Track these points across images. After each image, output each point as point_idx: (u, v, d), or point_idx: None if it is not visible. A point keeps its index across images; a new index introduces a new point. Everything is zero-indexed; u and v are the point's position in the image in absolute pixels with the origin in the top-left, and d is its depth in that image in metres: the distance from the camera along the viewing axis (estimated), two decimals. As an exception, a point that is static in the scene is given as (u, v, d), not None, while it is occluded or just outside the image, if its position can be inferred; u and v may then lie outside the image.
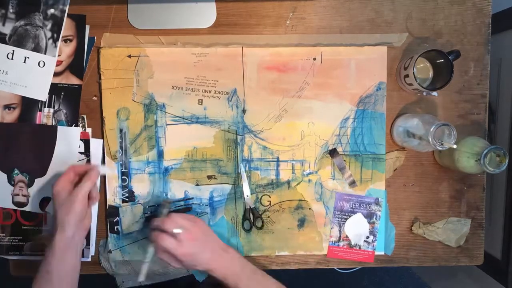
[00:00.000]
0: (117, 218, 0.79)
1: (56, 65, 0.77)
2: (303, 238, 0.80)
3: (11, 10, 0.75)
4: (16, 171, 0.77)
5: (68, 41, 0.77)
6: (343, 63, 0.78)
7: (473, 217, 0.81)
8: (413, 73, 0.71)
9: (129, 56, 0.77)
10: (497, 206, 0.93)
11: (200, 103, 0.78)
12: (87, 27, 0.77)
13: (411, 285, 1.24)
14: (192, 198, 0.79)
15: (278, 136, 0.79)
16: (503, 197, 0.90)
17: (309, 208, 0.80)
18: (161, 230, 0.66)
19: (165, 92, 0.78)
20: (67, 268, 0.66)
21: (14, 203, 0.77)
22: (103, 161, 0.78)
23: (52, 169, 0.77)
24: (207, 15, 0.77)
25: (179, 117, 0.78)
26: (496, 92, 0.92)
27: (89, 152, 0.77)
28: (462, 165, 0.72)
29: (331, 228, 0.80)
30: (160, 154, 0.78)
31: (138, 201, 0.79)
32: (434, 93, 0.78)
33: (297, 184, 0.80)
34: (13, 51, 0.75)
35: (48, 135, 0.77)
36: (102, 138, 0.78)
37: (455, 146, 0.68)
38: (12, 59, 0.76)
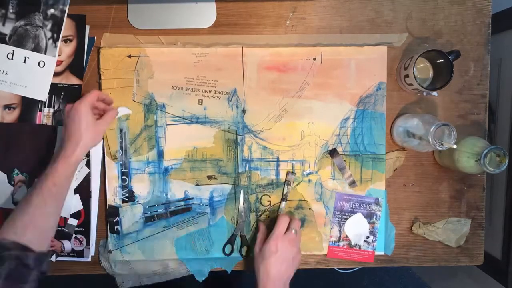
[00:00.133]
0: (117, 218, 0.79)
1: (56, 65, 0.77)
2: (303, 238, 0.80)
3: (11, 10, 0.75)
4: (16, 171, 0.77)
5: (68, 41, 0.77)
6: (343, 63, 0.78)
7: (473, 217, 0.81)
8: (413, 73, 0.71)
9: (129, 56, 0.77)
10: (497, 206, 0.93)
11: (200, 103, 0.78)
12: (87, 27, 0.77)
13: (411, 285, 1.24)
14: (192, 198, 0.79)
15: (278, 136, 0.79)
16: (503, 197, 0.90)
17: (309, 208, 0.80)
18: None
19: (165, 92, 0.78)
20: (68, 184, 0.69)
21: (14, 203, 0.77)
22: (103, 162, 0.78)
23: (52, 169, 0.77)
24: (207, 15, 0.77)
25: (179, 117, 0.78)
26: (496, 92, 0.92)
27: (89, 152, 0.77)
28: (462, 165, 0.72)
29: (331, 228, 0.80)
30: (160, 154, 0.78)
31: (138, 201, 0.79)
32: (434, 93, 0.78)
33: (297, 184, 0.80)
34: (13, 51, 0.75)
35: (48, 135, 0.77)
36: (102, 138, 0.78)
37: (455, 146, 0.68)
38: (12, 59, 0.76)
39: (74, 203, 0.78)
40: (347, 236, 0.80)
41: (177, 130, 0.78)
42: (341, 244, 0.81)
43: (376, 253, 0.81)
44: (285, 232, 0.72)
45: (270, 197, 0.80)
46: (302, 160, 0.79)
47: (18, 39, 0.76)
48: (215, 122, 0.78)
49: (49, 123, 0.77)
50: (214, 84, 0.78)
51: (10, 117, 0.77)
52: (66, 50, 0.77)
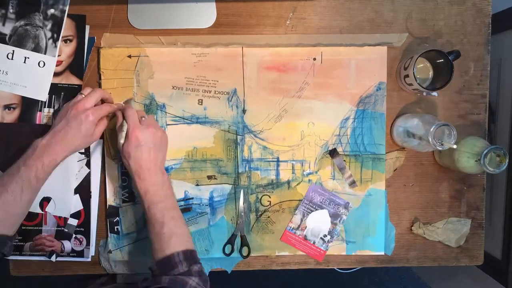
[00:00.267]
0: (117, 218, 0.79)
1: (56, 65, 0.77)
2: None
3: (11, 10, 0.75)
4: (16, 171, 0.77)
5: (68, 41, 0.77)
6: (343, 63, 0.78)
7: (473, 217, 0.81)
8: (413, 73, 0.71)
9: (129, 56, 0.77)
10: (497, 206, 0.93)
11: (200, 103, 0.78)
12: (87, 27, 0.77)
13: (411, 285, 1.24)
14: (192, 198, 0.79)
15: (278, 136, 0.79)
16: (503, 197, 0.90)
17: (309, 208, 0.80)
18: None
19: (165, 92, 0.78)
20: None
21: (14, 203, 0.77)
22: (103, 162, 0.78)
23: (52, 169, 0.77)
24: (207, 15, 0.77)
25: (179, 117, 0.78)
26: (496, 92, 0.92)
27: (89, 152, 0.77)
28: (462, 165, 0.72)
29: (294, 215, 0.80)
30: (160, 154, 0.78)
31: (138, 201, 0.79)
32: (434, 93, 0.78)
33: (297, 184, 0.80)
34: (13, 51, 0.75)
35: (48, 135, 0.77)
36: (102, 138, 0.78)
37: (455, 146, 0.68)
38: (12, 59, 0.76)
39: (74, 203, 0.78)
40: (306, 227, 0.80)
41: (177, 130, 0.78)
42: (298, 232, 0.80)
43: (376, 253, 0.81)
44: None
45: (270, 197, 0.80)
46: (302, 160, 0.79)
47: (18, 39, 0.76)
48: (215, 122, 0.78)
49: (49, 123, 0.77)
50: (214, 84, 0.78)
51: (10, 117, 0.77)
52: (66, 50, 0.77)
